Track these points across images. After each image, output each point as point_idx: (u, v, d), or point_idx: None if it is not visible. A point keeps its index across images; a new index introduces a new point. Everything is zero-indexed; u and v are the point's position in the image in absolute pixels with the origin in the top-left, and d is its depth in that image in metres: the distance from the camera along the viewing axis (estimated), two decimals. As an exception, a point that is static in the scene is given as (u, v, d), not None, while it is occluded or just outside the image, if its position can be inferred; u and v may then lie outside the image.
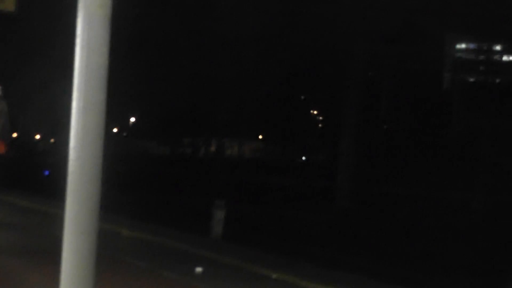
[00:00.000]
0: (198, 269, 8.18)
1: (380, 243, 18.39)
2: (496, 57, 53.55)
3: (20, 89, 31.80)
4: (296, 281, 8.21)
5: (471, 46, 52.42)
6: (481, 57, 52.61)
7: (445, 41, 43.56)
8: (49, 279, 7.04)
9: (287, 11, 29.59)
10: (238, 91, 40.89)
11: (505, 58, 53.33)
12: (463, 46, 51.96)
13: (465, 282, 13.10)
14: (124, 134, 62.32)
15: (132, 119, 61.39)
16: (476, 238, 19.70)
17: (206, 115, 46.63)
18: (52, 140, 60.30)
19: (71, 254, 2.95)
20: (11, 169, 12.02)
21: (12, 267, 7.78)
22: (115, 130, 57.64)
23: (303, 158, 58.54)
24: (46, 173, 34.35)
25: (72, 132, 2.93)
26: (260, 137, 60.93)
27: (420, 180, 35.87)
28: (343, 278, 9.36)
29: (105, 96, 2.99)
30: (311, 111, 57.40)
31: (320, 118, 57.65)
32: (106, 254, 8.42)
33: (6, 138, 10.61)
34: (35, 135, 58.93)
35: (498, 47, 53.16)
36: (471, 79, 51.43)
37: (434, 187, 33.83)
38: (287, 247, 15.20)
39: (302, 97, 53.89)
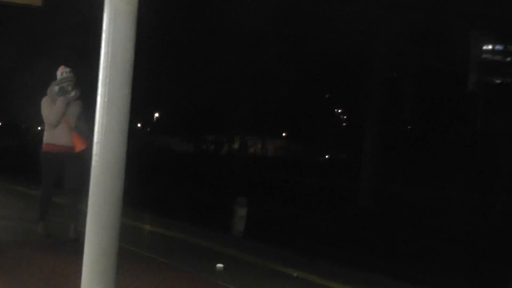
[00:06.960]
0: (219, 266, 8.19)
1: (402, 245, 18.31)
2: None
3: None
4: (317, 280, 8.20)
5: (498, 47, 51.92)
6: (508, 58, 52.06)
7: (471, 42, 43.20)
8: (74, 271, 7.09)
9: (311, 10, 29.54)
10: (262, 89, 40.88)
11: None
12: (489, 47, 51.47)
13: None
14: (148, 129, 62.52)
15: (156, 115, 61.57)
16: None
17: (230, 112, 46.66)
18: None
19: (94, 247, 2.98)
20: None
21: (36, 259, 7.85)
22: (139, 125, 57.85)
23: (326, 156, 58.39)
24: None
25: (96, 126, 2.95)
26: (284, 134, 60.85)
27: (443, 181, 35.66)
28: (365, 278, 9.34)
29: (130, 91, 3.01)
30: (336, 110, 57.24)
31: (344, 117, 57.48)
32: (128, 249, 8.46)
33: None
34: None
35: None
36: (497, 81, 50.93)
37: (457, 188, 33.63)
38: (308, 246, 15.19)
39: (327, 95, 53.76)
